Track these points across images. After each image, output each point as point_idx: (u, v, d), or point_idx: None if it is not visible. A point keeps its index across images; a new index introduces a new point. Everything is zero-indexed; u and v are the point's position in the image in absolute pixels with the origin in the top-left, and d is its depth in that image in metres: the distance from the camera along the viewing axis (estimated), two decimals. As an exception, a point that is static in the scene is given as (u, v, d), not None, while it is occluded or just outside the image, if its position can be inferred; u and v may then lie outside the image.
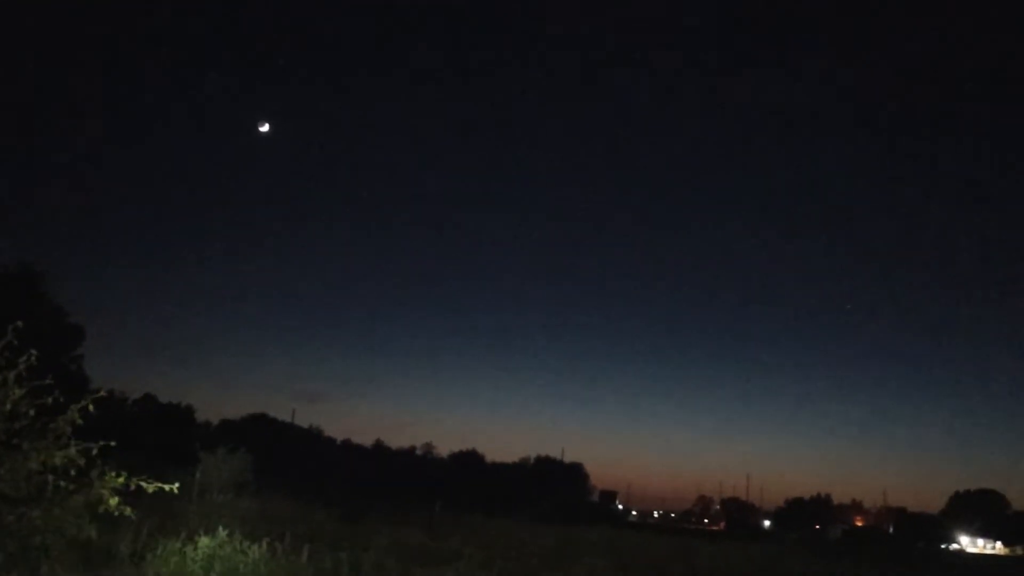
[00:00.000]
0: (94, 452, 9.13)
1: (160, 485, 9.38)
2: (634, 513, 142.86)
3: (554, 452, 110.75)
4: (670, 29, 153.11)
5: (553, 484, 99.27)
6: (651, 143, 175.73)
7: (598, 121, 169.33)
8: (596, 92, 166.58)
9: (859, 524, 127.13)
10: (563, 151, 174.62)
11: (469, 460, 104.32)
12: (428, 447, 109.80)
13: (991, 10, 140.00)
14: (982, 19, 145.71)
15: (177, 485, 9.76)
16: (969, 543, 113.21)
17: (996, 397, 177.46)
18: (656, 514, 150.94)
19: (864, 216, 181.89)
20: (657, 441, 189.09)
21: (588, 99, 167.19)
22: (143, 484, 9.42)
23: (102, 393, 9.58)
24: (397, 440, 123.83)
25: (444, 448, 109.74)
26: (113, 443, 9.44)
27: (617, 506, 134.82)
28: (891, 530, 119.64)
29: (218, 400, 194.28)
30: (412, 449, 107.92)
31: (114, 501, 9.22)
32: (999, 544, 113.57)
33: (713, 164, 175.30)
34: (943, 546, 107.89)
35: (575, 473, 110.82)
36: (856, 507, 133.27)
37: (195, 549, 13.70)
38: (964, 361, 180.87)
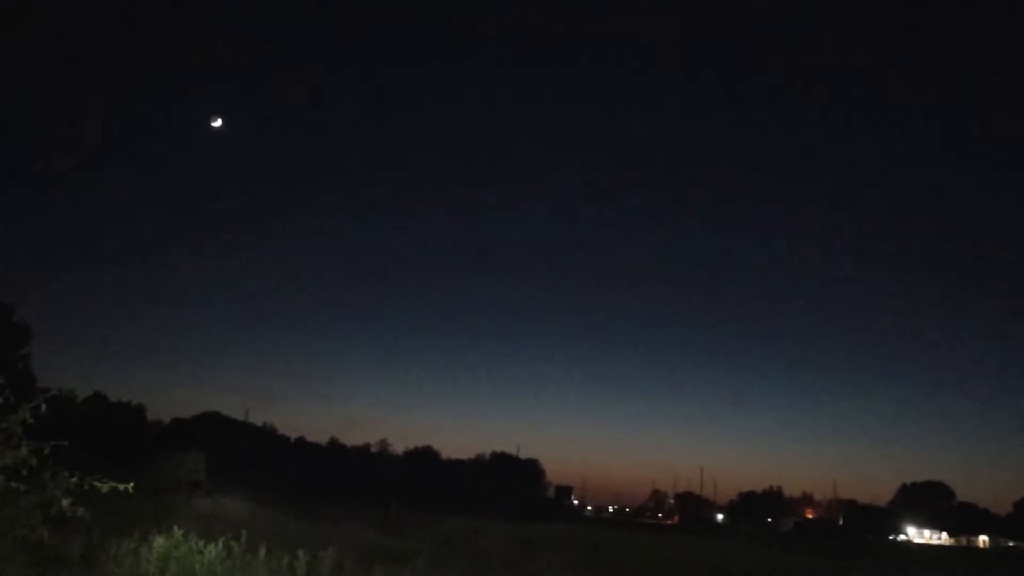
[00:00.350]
0: (46, 452, 8.97)
1: (115, 485, 9.23)
2: (589, 508, 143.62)
3: (510, 448, 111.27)
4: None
5: (509, 480, 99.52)
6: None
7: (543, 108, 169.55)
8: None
9: (810, 516, 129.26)
10: (503, 147, 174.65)
11: (425, 457, 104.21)
12: (383, 445, 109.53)
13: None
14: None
15: (132, 485, 9.60)
16: (916, 534, 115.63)
17: (942, 391, 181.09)
18: (611, 509, 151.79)
19: (809, 212, 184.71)
20: (612, 437, 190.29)
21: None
22: (97, 484, 9.25)
23: (54, 392, 9.42)
24: (352, 438, 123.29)
25: (399, 446, 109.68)
26: (66, 443, 9.27)
27: (573, 501, 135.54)
28: (841, 522, 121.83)
29: (170, 399, 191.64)
30: (367, 447, 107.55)
31: (67, 502, 9.06)
32: (945, 535, 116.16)
33: (645, 154, 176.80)
34: (891, 537, 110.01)
35: (531, 469, 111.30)
36: (807, 500, 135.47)
37: (150, 550, 13.49)
38: (912, 357, 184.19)
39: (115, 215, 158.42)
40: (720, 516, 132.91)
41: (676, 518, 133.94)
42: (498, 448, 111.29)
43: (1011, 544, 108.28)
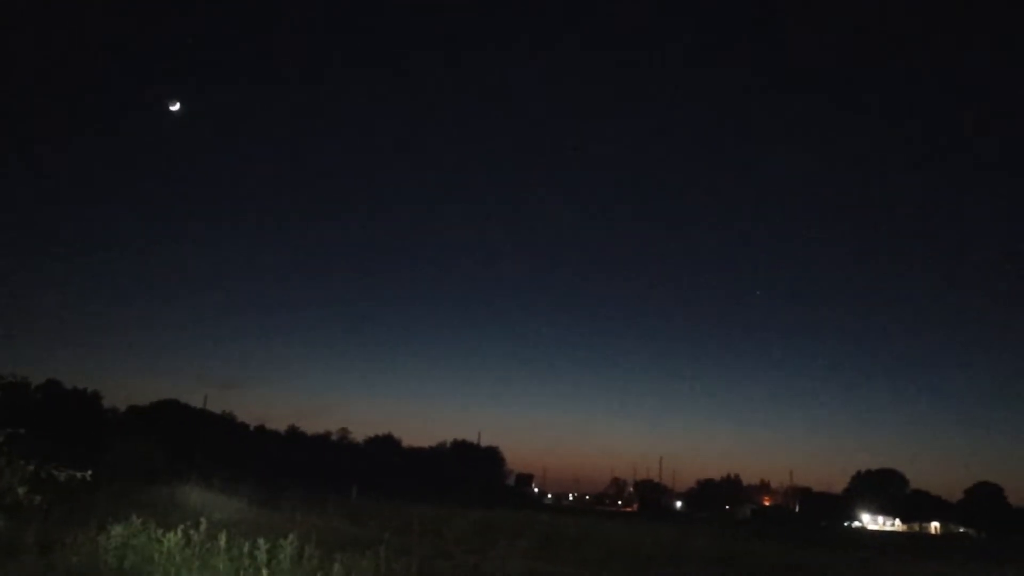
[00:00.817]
0: (0, 440, 8.86)
1: (73, 473, 9.15)
2: (549, 496, 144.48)
3: (471, 436, 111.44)
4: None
5: (470, 468, 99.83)
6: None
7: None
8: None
9: (767, 504, 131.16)
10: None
11: (385, 445, 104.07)
12: (344, 432, 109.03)
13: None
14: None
15: (90, 473, 9.53)
16: (870, 520, 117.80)
17: (896, 381, 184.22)
18: (571, 496, 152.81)
19: (771, 202, 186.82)
20: (572, 425, 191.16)
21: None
22: (54, 472, 9.16)
23: (8, 379, 9.30)
24: (312, 426, 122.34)
25: (360, 433, 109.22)
26: (22, 430, 9.18)
27: (533, 489, 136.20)
28: (797, 509, 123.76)
29: (126, 386, 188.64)
30: (328, 435, 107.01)
31: (23, 490, 8.97)
32: (898, 521, 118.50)
33: (607, 142, 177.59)
34: (845, 524, 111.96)
35: (492, 457, 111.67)
36: (764, 487, 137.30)
37: (108, 538, 13.35)
38: (867, 347, 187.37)
39: (71, 201, 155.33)
40: (679, 504, 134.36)
41: (635, 505, 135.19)
42: (459, 436, 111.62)
43: (962, 530, 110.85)
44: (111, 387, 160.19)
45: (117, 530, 13.55)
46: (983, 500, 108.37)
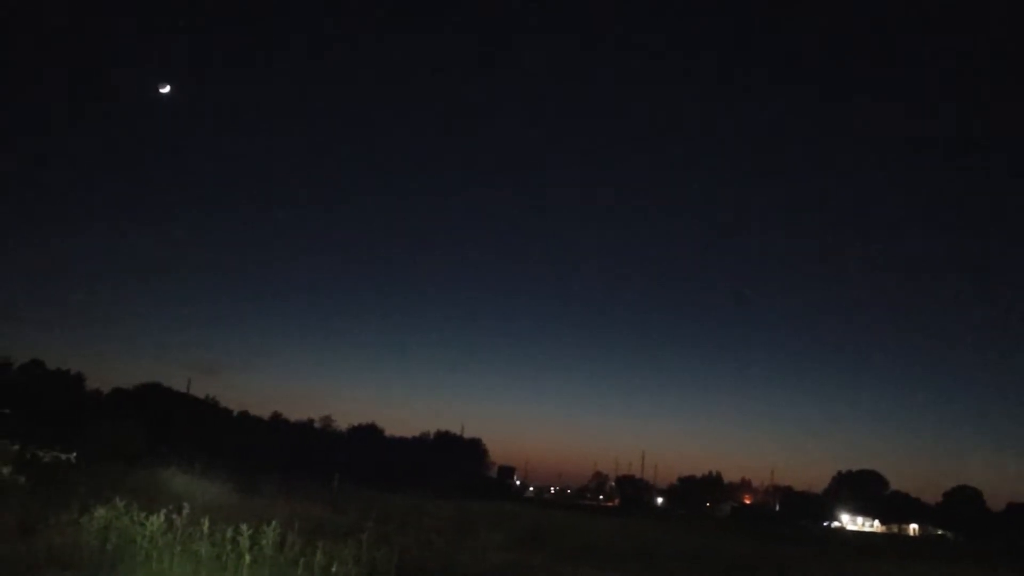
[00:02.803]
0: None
1: (58, 455, 9.22)
2: (531, 489, 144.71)
3: (454, 427, 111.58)
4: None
5: (452, 459, 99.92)
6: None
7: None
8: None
9: (747, 502, 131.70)
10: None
11: (368, 434, 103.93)
12: (327, 420, 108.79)
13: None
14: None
15: (75, 455, 9.59)
16: (849, 521, 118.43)
17: (878, 383, 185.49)
18: (553, 490, 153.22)
19: (759, 201, 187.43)
20: (555, 418, 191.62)
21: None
22: (38, 453, 9.22)
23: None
24: (295, 412, 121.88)
25: (343, 422, 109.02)
26: (7, 411, 9.23)
27: (515, 481, 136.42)
28: (777, 508, 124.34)
29: (110, 368, 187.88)
30: (311, 422, 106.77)
31: (7, 470, 9.04)
32: (877, 522, 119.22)
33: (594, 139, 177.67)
34: (825, 524, 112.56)
35: (474, 448, 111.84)
36: (745, 485, 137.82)
37: (91, 520, 13.40)
38: (850, 349, 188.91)
39: (57, 183, 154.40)
40: (660, 499, 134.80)
41: (616, 500, 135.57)
42: (442, 427, 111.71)
43: (940, 533, 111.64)
44: (95, 369, 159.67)
45: (100, 512, 13.60)
46: (962, 504, 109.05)
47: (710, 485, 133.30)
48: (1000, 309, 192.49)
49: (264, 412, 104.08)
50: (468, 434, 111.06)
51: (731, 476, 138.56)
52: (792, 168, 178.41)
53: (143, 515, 13.68)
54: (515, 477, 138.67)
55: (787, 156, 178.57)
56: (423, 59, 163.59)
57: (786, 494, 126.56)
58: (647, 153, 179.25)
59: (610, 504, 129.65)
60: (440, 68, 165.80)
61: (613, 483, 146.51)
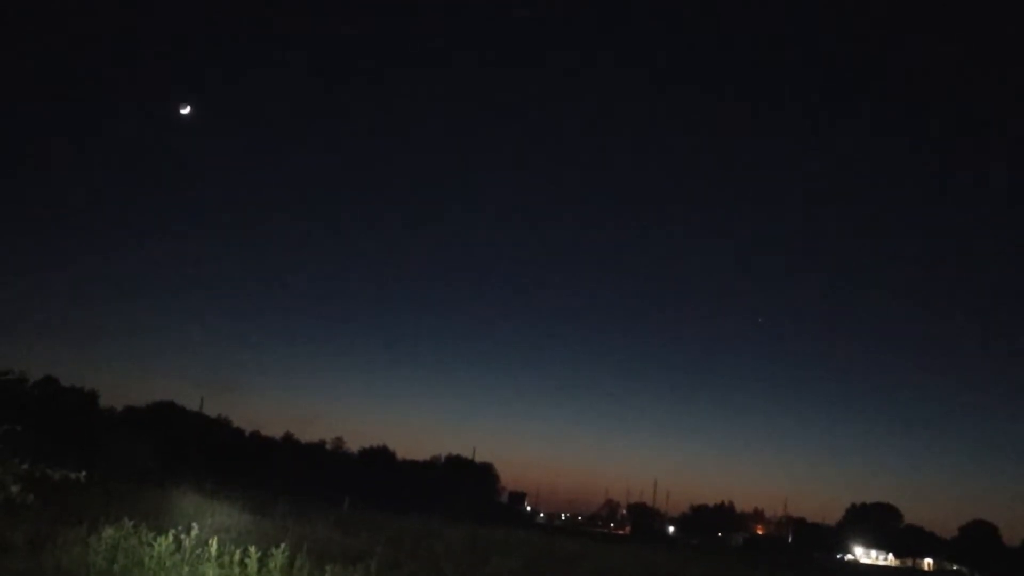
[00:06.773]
0: (-4, 437, 8.82)
1: (67, 473, 9.12)
2: (541, 515, 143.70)
3: (465, 452, 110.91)
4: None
5: (463, 484, 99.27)
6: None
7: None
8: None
9: (760, 532, 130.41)
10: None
11: (380, 457, 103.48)
12: (338, 442, 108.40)
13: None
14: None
15: (84, 474, 9.49)
16: (863, 554, 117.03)
17: (893, 413, 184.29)
18: (564, 516, 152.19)
19: (771, 229, 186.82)
20: (568, 445, 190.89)
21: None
22: (48, 471, 9.12)
23: (7, 375, 9.29)
24: (307, 433, 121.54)
25: (355, 444, 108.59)
26: (19, 427, 9.14)
27: (526, 507, 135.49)
28: (790, 539, 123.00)
29: (124, 386, 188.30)
30: (322, 443, 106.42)
31: (16, 488, 8.93)
32: (891, 556, 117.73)
33: (613, 161, 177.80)
34: (838, 556, 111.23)
35: (485, 473, 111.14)
36: (758, 515, 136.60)
37: (99, 540, 13.28)
38: (866, 380, 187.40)
39: (73, 201, 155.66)
40: (671, 528, 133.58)
41: (627, 528, 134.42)
42: (454, 451, 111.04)
43: (955, 568, 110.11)
44: (108, 386, 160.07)
45: (108, 532, 13.47)
46: (977, 538, 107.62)
47: (722, 515, 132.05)
48: (1017, 343, 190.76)
49: (276, 432, 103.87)
50: (480, 459, 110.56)
51: (743, 506, 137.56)
52: (807, 196, 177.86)
53: (151, 536, 13.57)
54: (526, 503, 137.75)
55: (804, 185, 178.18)
56: (424, 90, 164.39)
57: (799, 525, 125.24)
58: (672, 181, 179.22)
59: (621, 532, 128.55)
60: (442, 98, 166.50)
61: (624, 511, 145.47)
